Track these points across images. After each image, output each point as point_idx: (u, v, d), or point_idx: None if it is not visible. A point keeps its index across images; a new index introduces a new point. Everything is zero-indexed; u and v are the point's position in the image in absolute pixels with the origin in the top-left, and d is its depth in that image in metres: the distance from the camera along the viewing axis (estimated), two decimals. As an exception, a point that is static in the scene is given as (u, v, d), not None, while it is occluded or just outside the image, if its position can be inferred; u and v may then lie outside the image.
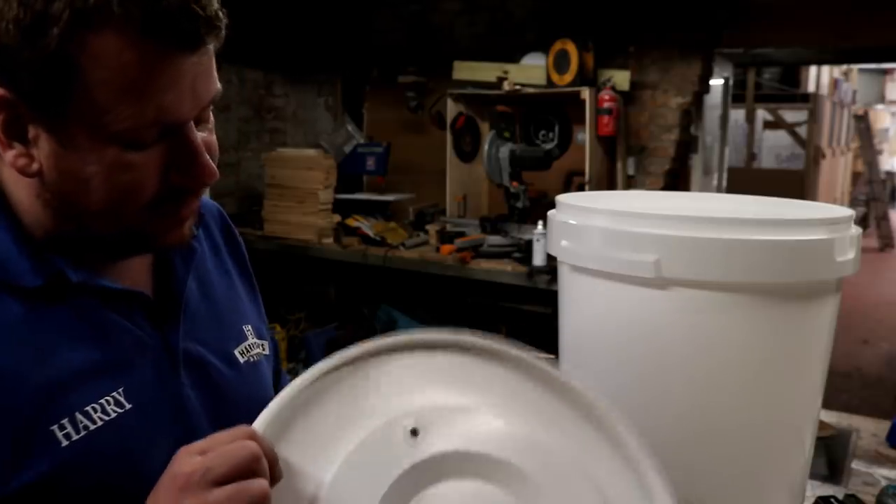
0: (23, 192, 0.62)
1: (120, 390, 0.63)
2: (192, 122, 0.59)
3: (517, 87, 3.60)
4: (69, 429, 0.59)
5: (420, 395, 0.60)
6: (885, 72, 12.98)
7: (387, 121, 4.41)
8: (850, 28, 3.53)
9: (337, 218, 3.74)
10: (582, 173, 3.52)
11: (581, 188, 3.55)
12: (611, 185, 3.64)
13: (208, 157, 0.61)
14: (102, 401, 0.62)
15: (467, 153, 3.90)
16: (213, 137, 0.64)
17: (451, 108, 3.79)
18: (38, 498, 0.58)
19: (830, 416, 1.58)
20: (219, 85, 0.61)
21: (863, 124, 9.82)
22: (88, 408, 0.61)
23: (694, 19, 3.53)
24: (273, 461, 0.53)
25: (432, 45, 4.15)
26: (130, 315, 0.67)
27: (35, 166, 0.58)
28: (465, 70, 3.88)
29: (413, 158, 4.22)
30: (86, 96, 0.54)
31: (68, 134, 0.56)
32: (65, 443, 0.59)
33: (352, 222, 3.77)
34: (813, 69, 8.90)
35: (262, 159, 3.91)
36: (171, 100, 0.56)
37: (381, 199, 4.01)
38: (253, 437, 0.52)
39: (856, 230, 0.85)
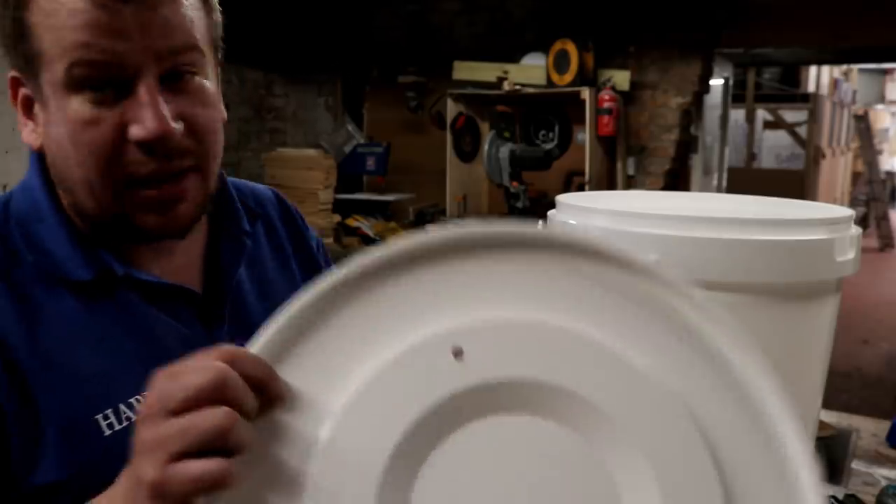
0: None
1: None
2: (150, 76, 0.58)
3: (517, 87, 3.60)
4: (112, 419, 0.60)
5: (472, 309, 0.46)
6: (885, 72, 12.98)
7: (387, 121, 4.41)
8: (849, 28, 3.53)
9: (337, 218, 3.74)
10: (582, 173, 3.53)
11: (581, 188, 3.55)
12: (611, 185, 3.64)
13: (165, 111, 0.58)
14: (146, 393, 0.62)
15: (467, 153, 3.89)
16: (201, 110, 0.62)
17: (451, 108, 3.79)
18: (77, 488, 0.58)
19: (830, 416, 1.58)
20: (192, 39, 0.60)
21: (863, 124, 9.81)
22: (132, 399, 0.61)
23: (694, 19, 3.53)
24: (265, 380, 0.44)
25: (432, 45, 4.15)
26: (176, 311, 0.67)
27: (39, 140, 0.62)
28: (465, 70, 3.88)
29: (413, 158, 4.22)
30: (40, 50, 0.57)
31: (43, 97, 0.59)
32: (107, 432, 0.60)
33: (352, 222, 3.77)
34: (813, 69, 8.90)
35: (262, 159, 3.92)
36: (115, 42, 0.56)
37: (381, 199, 4.02)
38: (229, 356, 0.43)
39: (856, 230, 0.85)
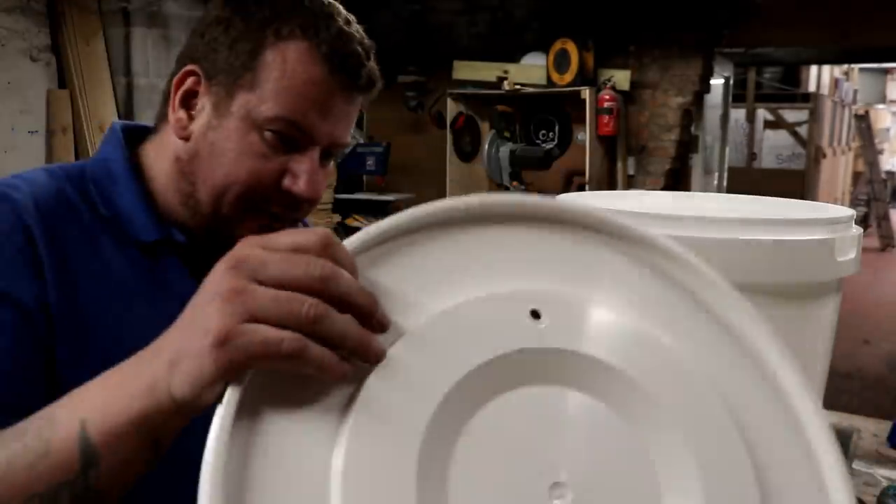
0: (163, 161, 0.72)
1: None
2: (318, 150, 0.69)
3: (517, 86, 3.60)
4: None
5: (538, 276, 0.48)
6: (887, 71, 12.97)
7: (387, 120, 4.41)
8: (850, 28, 3.53)
9: (337, 218, 3.74)
10: (582, 173, 3.52)
11: (581, 188, 3.55)
12: (611, 184, 3.64)
13: (322, 182, 0.69)
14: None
15: (467, 153, 3.89)
16: (325, 179, 0.72)
17: (451, 108, 3.79)
18: None
19: (831, 417, 1.58)
20: (350, 139, 0.72)
21: (864, 124, 9.81)
22: None
23: (694, 19, 3.53)
24: (368, 306, 0.41)
25: (432, 45, 4.15)
26: None
27: (188, 131, 0.69)
28: (465, 70, 3.87)
29: (413, 158, 4.22)
30: (257, 82, 0.66)
31: (228, 110, 0.67)
32: None
33: (351, 222, 3.77)
34: (814, 69, 8.89)
35: (261, 159, 3.91)
36: (315, 117, 0.67)
37: (381, 198, 4.01)
38: (332, 253, 0.41)
39: (856, 230, 0.84)
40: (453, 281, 0.46)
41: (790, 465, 0.46)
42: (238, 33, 0.68)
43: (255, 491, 0.37)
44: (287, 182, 0.68)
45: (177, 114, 0.70)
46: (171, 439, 0.46)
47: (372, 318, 0.41)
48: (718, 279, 0.51)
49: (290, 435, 0.38)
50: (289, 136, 0.67)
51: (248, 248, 0.42)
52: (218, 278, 0.41)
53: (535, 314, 0.45)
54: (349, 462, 0.38)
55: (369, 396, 0.40)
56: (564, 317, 0.46)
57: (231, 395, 0.38)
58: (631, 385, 0.45)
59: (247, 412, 0.38)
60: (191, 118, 0.70)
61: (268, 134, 0.67)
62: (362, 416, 0.39)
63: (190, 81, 0.69)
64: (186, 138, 0.70)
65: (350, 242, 0.44)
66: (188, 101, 0.70)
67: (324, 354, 0.39)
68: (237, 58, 0.67)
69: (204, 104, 0.69)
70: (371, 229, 0.45)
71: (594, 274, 0.49)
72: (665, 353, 0.47)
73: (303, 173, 0.68)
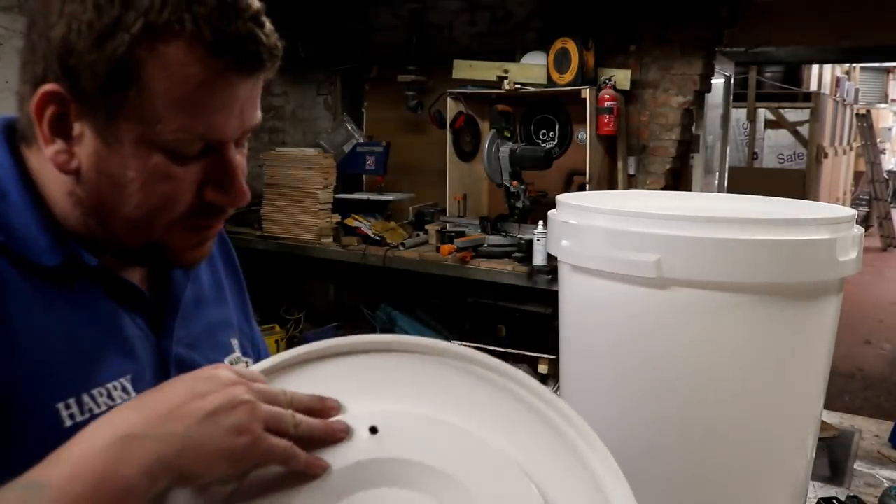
0: (55, 187, 0.62)
1: (128, 377, 0.63)
2: (232, 143, 0.61)
3: (517, 86, 3.59)
4: (74, 409, 0.58)
5: (374, 398, 0.60)
6: (888, 70, 12.94)
7: (386, 120, 4.40)
8: (852, 27, 3.52)
9: (336, 217, 3.73)
10: (582, 173, 3.51)
11: (582, 188, 3.54)
12: (611, 184, 3.63)
13: (242, 184, 0.63)
14: (110, 385, 0.61)
15: (467, 152, 3.88)
16: (245, 161, 0.65)
17: (451, 107, 3.78)
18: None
19: (832, 417, 1.57)
20: (260, 114, 0.63)
21: (865, 123, 9.80)
22: (95, 391, 0.60)
23: (695, 18, 3.52)
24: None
25: (432, 44, 4.14)
26: (131, 313, 0.67)
27: (74, 164, 0.58)
28: (465, 69, 3.87)
29: (413, 158, 4.21)
30: (143, 102, 0.55)
31: (117, 136, 0.56)
32: (68, 423, 0.58)
33: (351, 222, 3.76)
34: (815, 68, 8.87)
35: (260, 159, 3.90)
36: (221, 119, 0.58)
37: (381, 198, 4.01)
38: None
39: (858, 230, 0.84)
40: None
41: None
42: (99, 36, 0.54)
43: None
44: (211, 196, 0.61)
45: (52, 146, 0.58)
46: None
47: (327, 408, 0.58)
48: (528, 379, 0.61)
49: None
50: (196, 147, 0.59)
51: (237, 388, 0.53)
52: (230, 390, 0.52)
53: (374, 430, 0.57)
54: None
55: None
56: (401, 429, 0.57)
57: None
58: (448, 478, 0.55)
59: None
60: (71, 146, 0.58)
61: (172, 152, 0.57)
62: None
63: (52, 108, 0.56)
64: (75, 172, 0.59)
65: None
66: (60, 127, 0.57)
67: (309, 457, 0.54)
68: (108, 72, 0.54)
69: (82, 129, 0.57)
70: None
71: (428, 388, 0.61)
72: (479, 445, 0.57)
73: (224, 178, 0.61)
